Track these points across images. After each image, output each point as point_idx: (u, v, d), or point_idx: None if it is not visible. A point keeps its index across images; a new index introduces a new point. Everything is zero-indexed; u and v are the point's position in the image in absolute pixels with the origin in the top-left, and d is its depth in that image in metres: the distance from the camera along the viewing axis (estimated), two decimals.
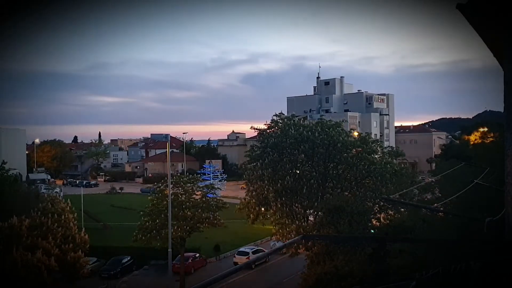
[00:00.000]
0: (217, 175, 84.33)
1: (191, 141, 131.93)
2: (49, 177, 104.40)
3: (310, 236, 28.06)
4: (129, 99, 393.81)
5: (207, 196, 38.72)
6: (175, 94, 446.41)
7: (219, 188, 55.12)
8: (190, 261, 40.37)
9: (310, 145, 38.51)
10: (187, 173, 63.25)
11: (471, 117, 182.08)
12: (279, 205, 38.42)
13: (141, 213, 37.55)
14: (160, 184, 39.03)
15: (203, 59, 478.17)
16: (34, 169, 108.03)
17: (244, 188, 46.89)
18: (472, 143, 70.07)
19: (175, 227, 35.06)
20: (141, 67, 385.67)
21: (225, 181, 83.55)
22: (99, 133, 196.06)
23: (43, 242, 30.45)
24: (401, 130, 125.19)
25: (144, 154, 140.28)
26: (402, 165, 44.44)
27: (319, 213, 33.98)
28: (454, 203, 17.40)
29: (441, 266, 4.58)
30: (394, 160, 42.43)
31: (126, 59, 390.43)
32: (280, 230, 38.08)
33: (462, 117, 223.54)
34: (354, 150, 39.71)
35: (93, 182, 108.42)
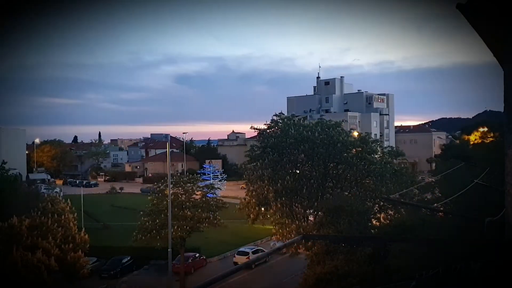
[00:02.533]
0: (217, 175, 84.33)
1: (191, 141, 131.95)
2: (49, 177, 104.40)
3: (310, 236, 28.05)
4: (79, 101, 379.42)
5: (207, 196, 38.73)
6: (122, 95, 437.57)
7: (219, 188, 55.12)
8: (190, 261, 40.37)
9: (310, 145, 38.50)
10: (187, 173, 63.27)
11: (471, 117, 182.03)
12: (279, 205, 38.39)
13: (141, 213, 37.58)
14: (160, 184, 39.04)
15: (119, 59, 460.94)
16: (34, 169, 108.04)
17: (244, 188, 46.89)
18: (472, 143, 70.05)
19: (175, 227, 35.06)
20: (62, 68, 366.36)
21: (225, 181, 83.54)
22: (99, 133, 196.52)
23: (43, 242, 30.43)
24: (401, 130, 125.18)
25: (144, 154, 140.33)
26: (402, 165, 44.41)
27: (319, 213, 33.99)
28: (454, 203, 17.40)
29: (441, 266, 4.58)
30: (394, 160, 42.41)
31: (40, 60, 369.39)
32: (280, 230, 38.05)
33: (462, 117, 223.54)
34: (354, 150, 39.73)
35: (93, 182, 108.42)
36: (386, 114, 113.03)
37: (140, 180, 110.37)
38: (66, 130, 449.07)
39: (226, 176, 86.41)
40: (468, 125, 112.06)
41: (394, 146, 59.72)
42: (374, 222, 32.24)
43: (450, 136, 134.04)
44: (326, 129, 39.54)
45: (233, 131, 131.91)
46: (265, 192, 38.84)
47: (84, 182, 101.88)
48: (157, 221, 35.41)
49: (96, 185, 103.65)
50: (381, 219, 33.47)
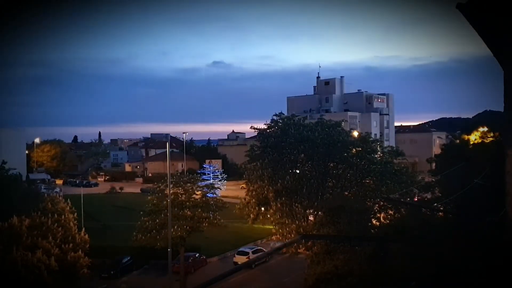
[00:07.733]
0: (217, 174, 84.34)
1: (191, 141, 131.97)
2: (49, 177, 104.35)
3: (310, 236, 28.10)
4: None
5: (207, 196, 38.71)
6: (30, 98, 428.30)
7: (219, 188, 55.09)
8: (190, 261, 40.35)
9: (310, 144, 38.47)
10: (187, 173, 63.23)
11: (471, 117, 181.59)
12: (279, 205, 38.37)
13: (141, 213, 37.56)
14: (160, 184, 39.01)
15: None
16: (34, 169, 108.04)
17: (244, 188, 46.91)
18: (472, 143, 69.93)
19: (175, 227, 35.03)
20: None
21: (225, 181, 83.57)
22: (99, 133, 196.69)
23: (43, 242, 30.41)
24: (401, 130, 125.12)
25: (144, 154, 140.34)
26: (402, 165, 44.37)
27: (319, 212, 34.01)
28: (454, 203, 17.40)
29: (441, 266, 4.57)
30: (394, 160, 42.38)
31: None
32: (280, 230, 38.05)
33: (462, 117, 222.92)
34: (354, 149, 39.72)
35: (93, 182, 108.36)
36: (386, 114, 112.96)
37: (140, 180, 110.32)
38: (66, 130, 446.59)
39: (226, 176, 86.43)
40: (468, 125, 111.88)
41: (394, 146, 59.68)
42: (374, 222, 32.21)
43: (450, 136, 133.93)
44: (326, 129, 39.52)
45: (233, 131, 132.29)
46: (265, 192, 38.82)
47: (84, 182, 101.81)
48: (157, 221, 35.39)
49: (96, 185, 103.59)
50: (381, 219, 33.43)
